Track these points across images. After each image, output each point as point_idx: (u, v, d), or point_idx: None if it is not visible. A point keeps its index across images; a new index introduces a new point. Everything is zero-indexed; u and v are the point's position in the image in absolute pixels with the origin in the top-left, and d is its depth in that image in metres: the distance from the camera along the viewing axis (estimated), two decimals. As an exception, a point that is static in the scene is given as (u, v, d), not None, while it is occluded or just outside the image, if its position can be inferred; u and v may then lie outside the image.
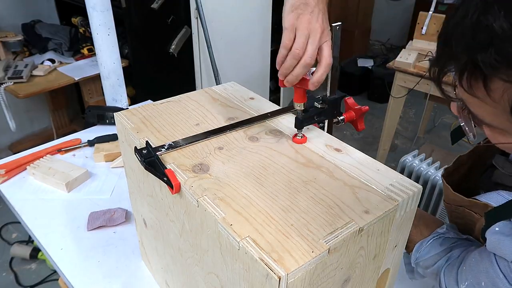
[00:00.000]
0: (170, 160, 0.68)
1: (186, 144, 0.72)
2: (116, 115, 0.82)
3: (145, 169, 0.67)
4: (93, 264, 1.02)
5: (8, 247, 2.17)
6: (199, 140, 0.73)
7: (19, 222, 1.20)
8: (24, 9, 2.68)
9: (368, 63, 4.09)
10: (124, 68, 1.66)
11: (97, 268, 1.01)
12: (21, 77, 2.25)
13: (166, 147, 0.71)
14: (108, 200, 1.24)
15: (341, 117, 0.82)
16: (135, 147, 0.71)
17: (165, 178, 0.64)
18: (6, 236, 2.28)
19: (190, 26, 2.58)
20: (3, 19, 2.59)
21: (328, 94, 0.77)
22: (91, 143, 1.46)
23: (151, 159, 0.68)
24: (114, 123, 1.00)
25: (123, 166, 1.08)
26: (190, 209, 0.62)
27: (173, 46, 2.60)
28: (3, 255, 2.16)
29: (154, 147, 0.71)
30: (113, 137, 1.45)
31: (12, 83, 2.26)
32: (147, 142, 0.71)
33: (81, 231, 1.12)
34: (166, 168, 0.66)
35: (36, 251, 2.11)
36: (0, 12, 2.58)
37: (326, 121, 0.81)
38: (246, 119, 0.80)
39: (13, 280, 2.04)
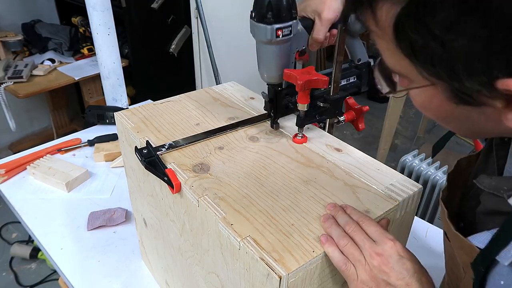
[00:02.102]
0: (171, 159, 0.68)
1: (187, 144, 0.72)
2: (116, 114, 0.82)
3: (146, 168, 0.67)
4: (93, 264, 1.02)
5: (8, 247, 2.17)
6: (199, 139, 0.73)
7: (19, 222, 1.20)
8: (24, 9, 2.68)
9: (368, 63, 4.09)
10: (124, 68, 1.66)
11: (97, 268, 1.01)
12: (21, 77, 2.25)
13: (166, 147, 0.71)
14: (108, 200, 1.24)
15: (342, 117, 0.82)
16: (136, 147, 0.71)
17: (165, 178, 0.64)
18: (6, 236, 2.28)
19: (190, 26, 2.58)
20: (3, 19, 2.59)
21: (331, 93, 0.77)
22: (91, 143, 1.46)
23: (151, 159, 0.68)
24: (114, 123, 1.00)
25: (123, 166, 1.08)
26: (191, 208, 0.62)
27: (173, 46, 2.60)
28: (3, 255, 2.16)
29: (155, 147, 0.71)
30: (113, 137, 1.45)
31: (12, 83, 2.26)
32: (147, 141, 0.71)
33: (81, 231, 1.12)
34: (166, 167, 0.66)
35: (36, 251, 2.11)
36: (0, 12, 2.58)
37: (327, 121, 0.81)
38: (246, 119, 0.80)
39: (13, 280, 2.04)
